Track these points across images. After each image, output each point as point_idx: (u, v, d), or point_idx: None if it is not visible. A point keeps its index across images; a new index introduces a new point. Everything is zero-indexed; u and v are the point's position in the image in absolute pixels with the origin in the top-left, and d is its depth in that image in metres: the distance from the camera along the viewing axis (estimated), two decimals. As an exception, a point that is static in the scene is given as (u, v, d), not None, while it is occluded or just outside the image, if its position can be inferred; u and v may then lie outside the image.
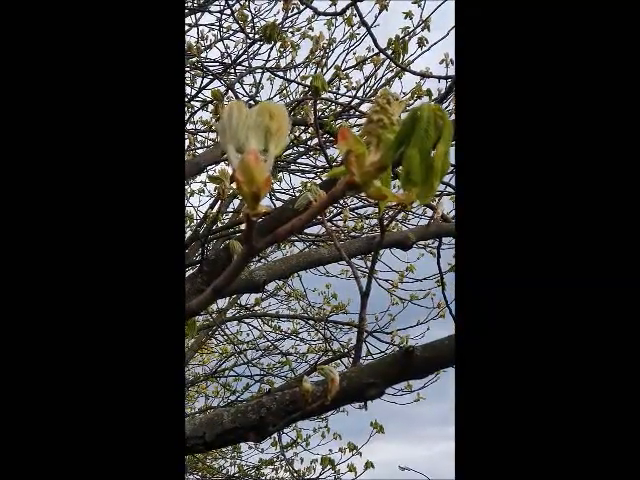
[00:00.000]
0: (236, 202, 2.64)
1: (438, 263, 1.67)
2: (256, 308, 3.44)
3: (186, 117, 2.40)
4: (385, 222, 0.95)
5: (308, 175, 2.74)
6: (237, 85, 2.25)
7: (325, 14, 1.95)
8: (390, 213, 1.41)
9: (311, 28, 2.79)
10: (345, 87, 2.69)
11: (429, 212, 2.24)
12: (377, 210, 2.80)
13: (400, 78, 2.58)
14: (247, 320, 3.37)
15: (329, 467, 2.23)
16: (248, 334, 3.58)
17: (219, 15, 2.61)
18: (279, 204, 2.19)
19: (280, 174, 2.68)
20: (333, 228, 2.24)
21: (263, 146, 0.42)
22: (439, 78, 1.85)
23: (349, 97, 2.54)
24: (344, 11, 1.72)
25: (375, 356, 2.82)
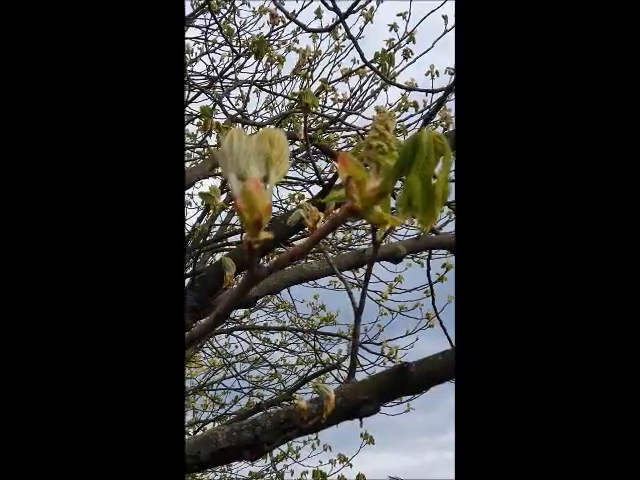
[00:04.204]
0: (224, 214, 2.64)
1: (428, 275, 1.68)
2: (244, 320, 3.42)
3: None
4: (378, 237, 0.95)
5: (296, 187, 2.74)
6: (224, 99, 2.25)
7: (312, 30, 1.95)
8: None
9: (296, 41, 2.80)
10: (332, 99, 2.70)
11: (415, 221, 2.23)
12: (365, 221, 2.80)
13: (386, 90, 2.59)
14: (236, 332, 3.35)
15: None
16: (237, 346, 3.56)
17: (205, 29, 2.61)
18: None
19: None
20: (322, 240, 2.24)
21: (264, 173, 0.42)
22: (425, 91, 1.86)
23: (336, 110, 2.55)
24: (332, 28, 1.72)
25: (365, 367, 2.82)
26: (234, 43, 2.43)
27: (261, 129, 0.43)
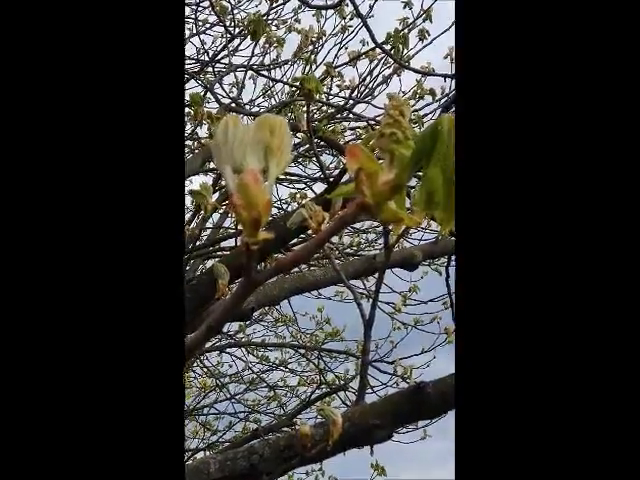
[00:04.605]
0: (216, 216, 2.64)
1: (447, 283, 1.67)
2: (239, 336, 3.42)
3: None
4: (391, 240, 0.95)
5: (297, 185, 2.75)
6: (216, 85, 2.26)
7: (316, 7, 1.96)
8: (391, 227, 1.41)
9: (298, 20, 2.80)
10: (337, 86, 2.70)
11: (433, 225, 2.25)
12: (375, 223, 2.81)
13: (399, 75, 2.59)
14: (230, 350, 3.35)
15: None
16: (231, 366, 3.57)
17: (195, 7, 2.62)
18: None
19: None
20: (328, 244, 2.24)
21: (263, 165, 0.42)
22: (444, 76, 1.86)
23: (342, 98, 2.55)
24: (338, 5, 1.72)
25: (375, 388, 2.82)
26: (228, 23, 2.44)
27: (259, 116, 0.43)
